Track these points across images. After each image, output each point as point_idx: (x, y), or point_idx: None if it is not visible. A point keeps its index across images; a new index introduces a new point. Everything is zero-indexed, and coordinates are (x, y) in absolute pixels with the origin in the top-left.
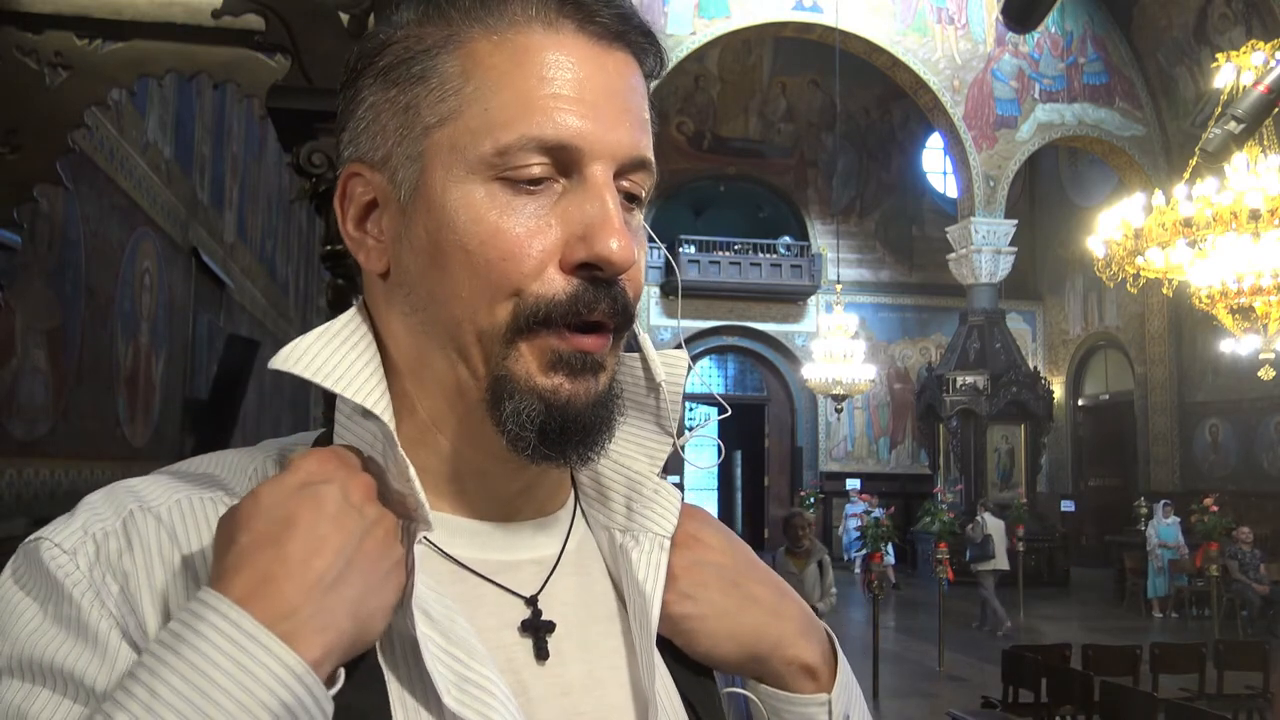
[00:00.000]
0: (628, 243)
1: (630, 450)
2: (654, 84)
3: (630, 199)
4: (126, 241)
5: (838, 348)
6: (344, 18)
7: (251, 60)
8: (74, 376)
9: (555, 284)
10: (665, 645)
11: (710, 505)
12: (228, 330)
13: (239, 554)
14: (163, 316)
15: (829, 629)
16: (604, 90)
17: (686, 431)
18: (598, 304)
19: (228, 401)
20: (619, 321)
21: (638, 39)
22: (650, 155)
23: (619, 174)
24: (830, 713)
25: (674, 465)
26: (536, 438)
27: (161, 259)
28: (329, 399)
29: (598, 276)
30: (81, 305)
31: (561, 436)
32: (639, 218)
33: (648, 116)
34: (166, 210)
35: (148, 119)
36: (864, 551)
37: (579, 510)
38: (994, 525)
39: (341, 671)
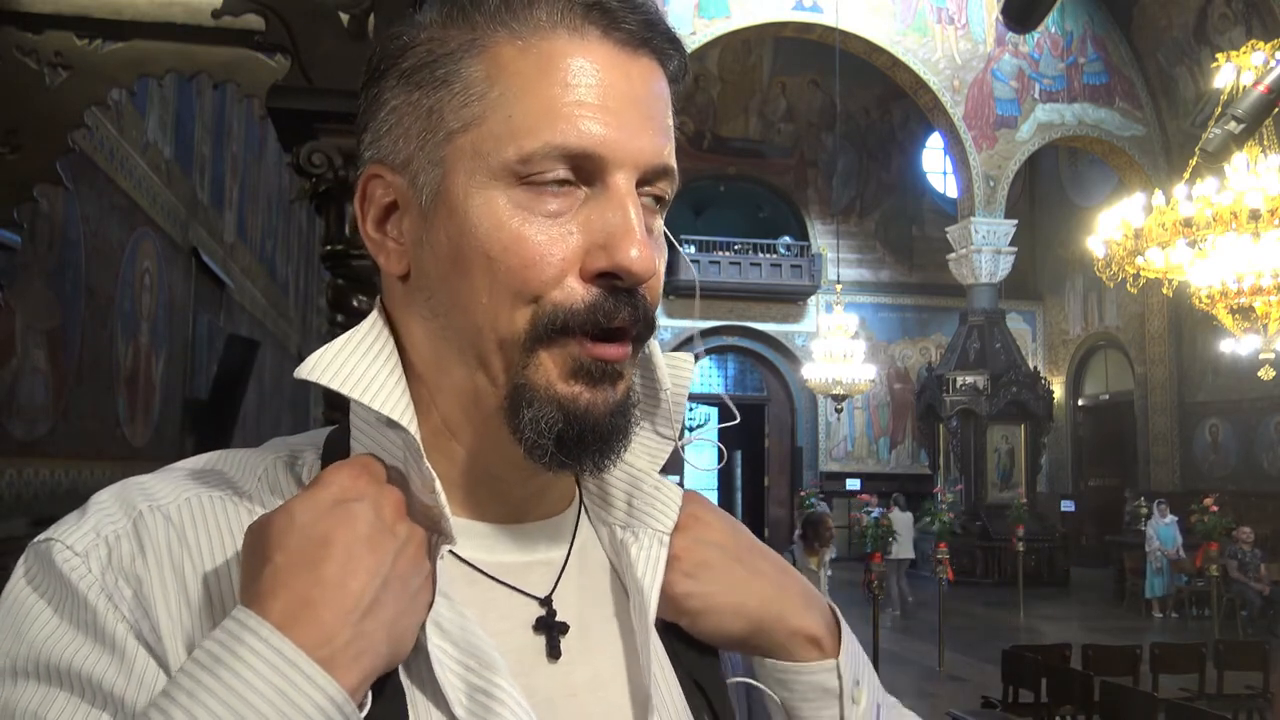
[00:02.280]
0: (648, 253)
1: (633, 448)
2: (678, 88)
3: (656, 201)
4: (126, 241)
5: (838, 348)
6: (344, 18)
7: (251, 60)
8: (74, 376)
9: (575, 293)
10: (672, 629)
11: None
12: (228, 330)
13: (275, 574)
14: (163, 316)
15: (831, 603)
16: (628, 98)
17: (688, 433)
18: (617, 313)
19: (228, 401)
20: (640, 330)
21: (662, 45)
22: (673, 162)
23: (641, 181)
24: (840, 678)
25: (674, 465)
26: (554, 446)
27: (161, 259)
28: (330, 399)
29: (618, 285)
30: (81, 305)
31: (579, 445)
32: (660, 223)
33: (670, 123)
34: (166, 210)
35: (148, 119)
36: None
37: (583, 509)
38: (901, 519)
39: (369, 694)
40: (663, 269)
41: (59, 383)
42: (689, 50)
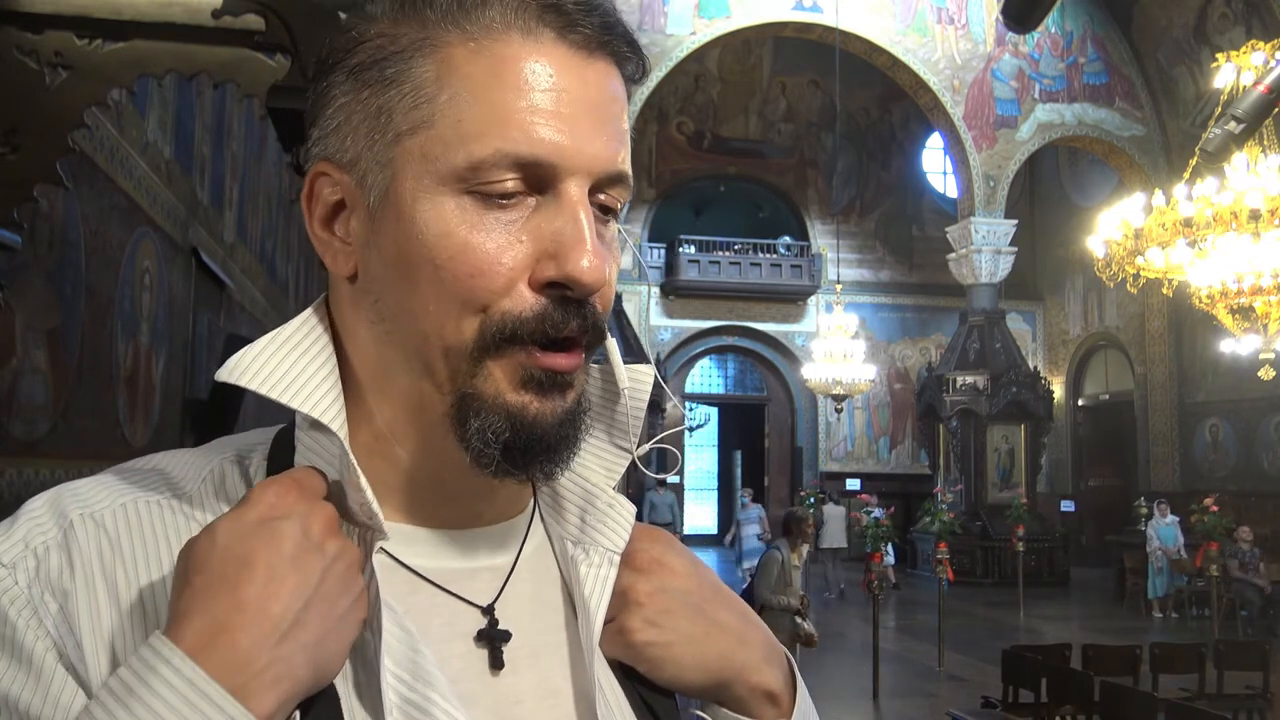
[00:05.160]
0: (599, 262)
1: (589, 461)
2: (635, 89)
3: (605, 211)
4: (126, 241)
5: (838, 348)
6: (344, 18)
7: (251, 60)
8: (74, 376)
9: (524, 301)
10: (630, 668)
11: (710, 505)
12: (228, 330)
13: (192, 597)
14: (163, 316)
15: (789, 654)
16: (583, 103)
17: (686, 434)
18: (567, 323)
19: (228, 401)
20: (591, 338)
21: (620, 47)
22: (627, 169)
23: (594, 188)
24: None
25: (676, 464)
26: (501, 455)
27: (161, 259)
28: None
29: (568, 295)
30: (81, 305)
31: (526, 455)
32: (613, 229)
33: (626, 127)
34: (166, 210)
35: (148, 119)
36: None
37: (536, 516)
38: (834, 512)
39: (297, 714)
40: (614, 276)
41: (59, 383)
42: (689, 50)
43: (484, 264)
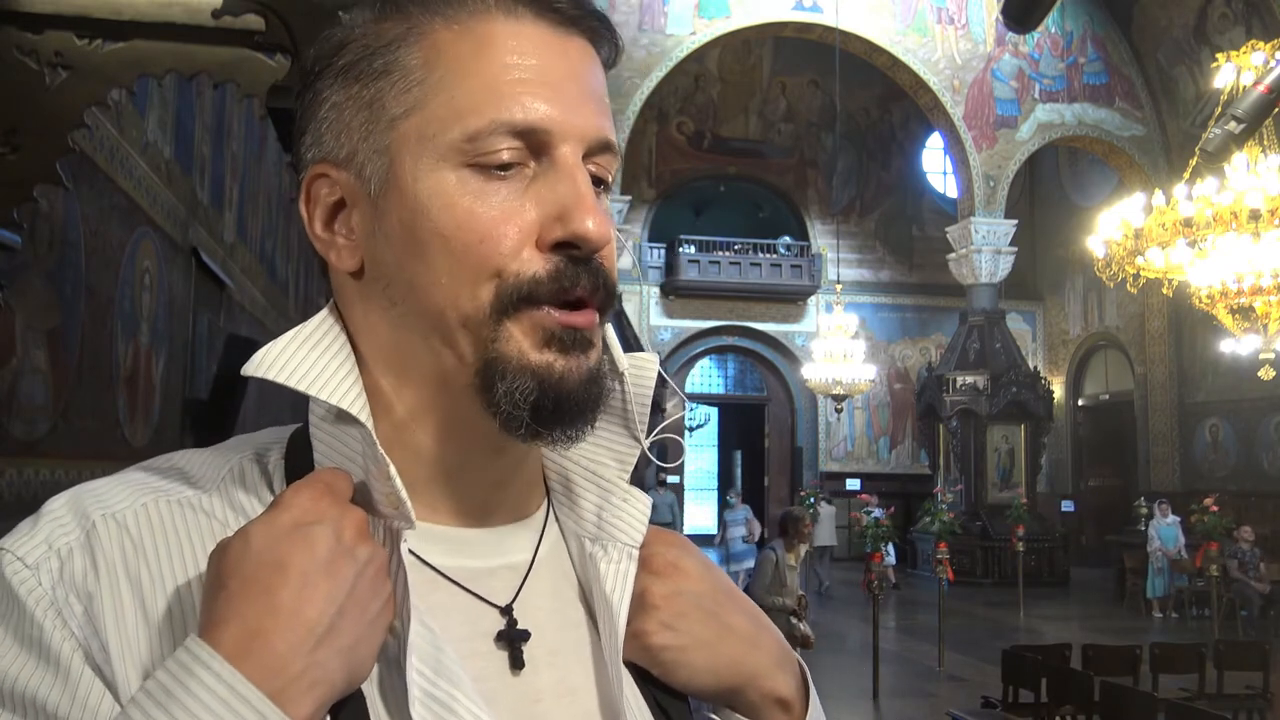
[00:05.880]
0: (603, 220)
1: (600, 455)
2: (627, 86)
3: (597, 183)
4: (126, 241)
5: (838, 348)
6: (344, 18)
7: (251, 60)
8: (74, 376)
9: (535, 262)
10: (643, 669)
11: (710, 505)
12: (228, 330)
13: (228, 601)
14: (163, 316)
15: (801, 660)
16: (567, 74)
17: (686, 434)
18: (579, 280)
19: (228, 401)
20: (602, 298)
21: (594, 25)
22: (614, 138)
23: (586, 156)
24: None
25: (675, 466)
26: (530, 416)
27: (161, 259)
28: None
29: (575, 255)
30: (81, 305)
31: (554, 414)
32: (606, 201)
33: (608, 102)
34: (166, 210)
35: (148, 119)
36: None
37: (551, 513)
38: (826, 511)
39: (327, 718)
40: (615, 242)
41: (59, 383)
42: (689, 50)
43: (490, 228)
